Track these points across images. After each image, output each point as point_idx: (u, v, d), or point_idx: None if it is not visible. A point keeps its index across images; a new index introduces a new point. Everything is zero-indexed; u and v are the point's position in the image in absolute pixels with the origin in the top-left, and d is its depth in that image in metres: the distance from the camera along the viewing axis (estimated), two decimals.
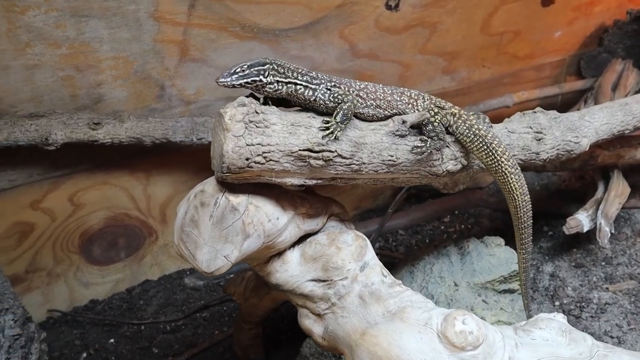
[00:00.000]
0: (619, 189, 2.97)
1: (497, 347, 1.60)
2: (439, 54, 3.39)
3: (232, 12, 2.71)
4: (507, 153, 1.89)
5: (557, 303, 2.74)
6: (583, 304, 2.72)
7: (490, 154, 1.88)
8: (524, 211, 1.98)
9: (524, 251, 2.11)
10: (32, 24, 2.36)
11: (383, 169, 1.77)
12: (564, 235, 3.09)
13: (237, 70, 1.64)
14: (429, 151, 1.80)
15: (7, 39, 2.35)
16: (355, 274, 1.81)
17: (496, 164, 1.89)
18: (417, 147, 1.80)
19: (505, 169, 1.89)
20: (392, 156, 1.76)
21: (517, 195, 1.94)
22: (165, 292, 3.09)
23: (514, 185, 1.92)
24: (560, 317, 1.85)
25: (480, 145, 1.88)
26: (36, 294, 2.86)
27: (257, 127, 1.55)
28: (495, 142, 1.88)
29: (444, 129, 1.87)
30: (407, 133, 1.79)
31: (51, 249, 2.81)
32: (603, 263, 2.97)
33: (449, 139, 1.92)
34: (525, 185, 1.96)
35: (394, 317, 1.70)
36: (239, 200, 1.60)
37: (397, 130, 1.77)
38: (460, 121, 1.89)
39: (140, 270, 3.11)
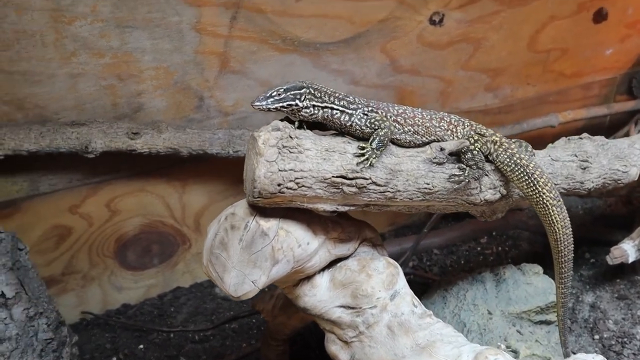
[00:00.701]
0: None
1: None
2: (482, 71, 3.30)
3: (273, 24, 2.70)
4: (549, 184, 1.82)
5: (596, 337, 2.62)
6: (625, 339, 2.59)
7: (532, 184, 1.81)
8: (565, 245, 1.90)
9: (562, 285, 2.02)
10: (78, 34, 2.40)
11: (418, 197, 1.72)
12: (607, 264, 2.96)
13: (273, 94, 1.62)
14: (467, 180, 1.74)
15: (54, 48, 2.39)
16: (385, 303, 1.76)
17: (537, 195, 1.82)
18: (455, 175, 1.74)
19: (547, 201, 1.82)
20: (428, 184, 1.71)
21: (558, 228, 1.86)
22: (196, 300, 3.11)
23: (555, 218, 1.84)
24: (600, 359, 1.77)
25: (521, 175, 1.81)
26: (71, 296, 2.91)
27: (290, 152, 1.53)
28: (537, 173, 1.80)
29: (483, 158, 1.80)
30: (445, 161, 1.74)
31: (87, 253, 2.86)
32: None
33: (488, 167, 1.85)
34: (568, 218, 1.88)
35: (422, 351, 1.66)
36: (270, 225, 1.58)
37: (435, 158, 1.72)
38: (501, 149, 1.83)
39: (173, 277, 3.13)
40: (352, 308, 1.77)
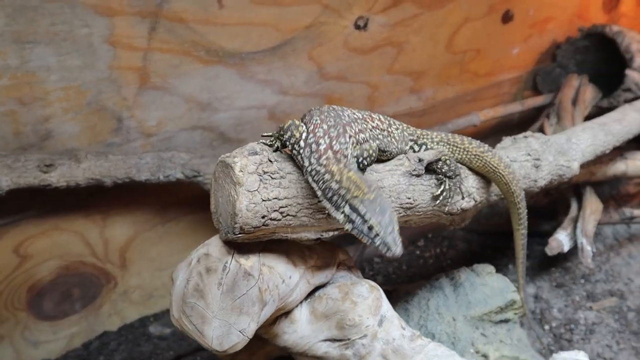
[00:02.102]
0: (593, 206, 2.98)
1: None
2: (405, 74, 3.29)
3: (196, 34, 2.47)
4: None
5: (546, 327, 2.69)
6: (572, 325, 2.68)
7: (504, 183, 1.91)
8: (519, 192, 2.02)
9: (522, 226, 2.15)
10: None
11: (400, 213, 1.62)
12: (541, 254, 3.08)
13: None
14: (451, 194, 1.67)
15: None
16: (375, 331, 1.64)
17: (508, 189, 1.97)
18: (439, 195, 1.68)
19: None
20: (409, 198, 1.61)
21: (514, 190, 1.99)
22: (128, 343, 2.78)
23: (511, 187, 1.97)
24: (583, 356, 1.78)
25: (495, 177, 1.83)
26: None
27: (272, 178, 1.35)
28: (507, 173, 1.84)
29: (457, 164, 1.74)
30: (423, 172, 1.65)
31: None
32: (582, 281, 2.97)
33: (462, 174, 1.79)
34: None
35: None
36: (251, 263, 1.39)
37: (414, 170, 1.62)
38: (472, 155, 1.79)
39: (98, 321, 2.77)
40: (340, 340, 1.63)
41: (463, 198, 1.77)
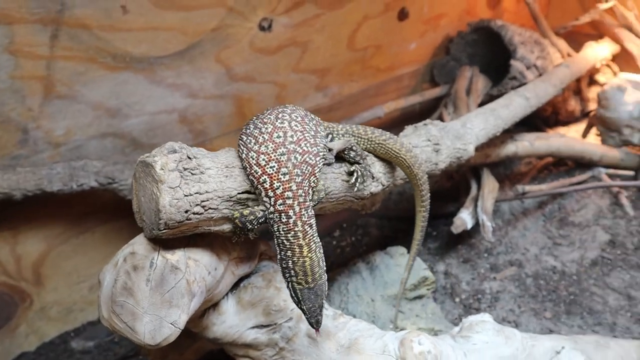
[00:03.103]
0: (490, 186, 3.26)
1: None
2: (311, 72, 3.42)
3: (100, 41, 2.45)
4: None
5: (457, 300, 2.92)
6: (479, 295, 2.92)
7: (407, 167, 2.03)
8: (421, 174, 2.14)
9: (424, 209, 2.22)
10: None
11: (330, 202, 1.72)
12: (448, 233, 3.32)
13: None
14: (364, 179, 1.79)
15: None
16: (300, 313, 1.73)
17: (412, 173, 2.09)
18: (354, 182, 1.79)
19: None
20: (323, 186, 1.72)
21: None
22: None
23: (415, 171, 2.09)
24: (488, 317, 1.97)
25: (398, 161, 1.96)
26: None
27: (192, 174, 1.41)
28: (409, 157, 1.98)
29: (363, 151, 1.88)
30: (333, 161, 1.76)
31: None
32: (486, 254, 3.24)
33: (369, 160, 1.93)
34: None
35: (349, 350, 1.66)
36: (177, 257, 1.44)
37: (325, 160, 1.73)
38: (376, 145, 1.92)
39: (14, 343, 2.67)
40: (267, 326, 1.71)
41: (374, 179, 1.91)
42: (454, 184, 3.77)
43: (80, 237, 2.76)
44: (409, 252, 2.77)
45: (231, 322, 1.71)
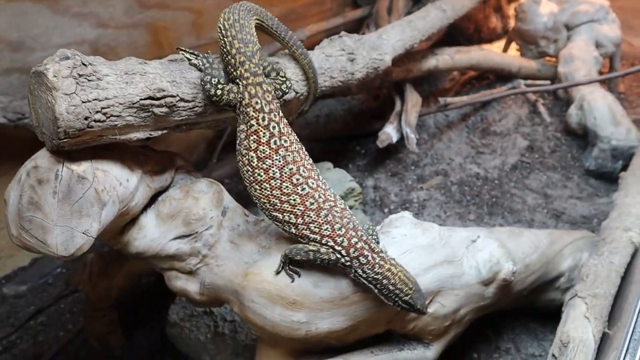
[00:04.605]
0: (413, 100, 3.33)
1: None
2: None
3: None
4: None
5: (386, 210, 3.02)
6: (407, 205, 3.04)
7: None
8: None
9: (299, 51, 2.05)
10: None
11: (225, 108, 1.72)
12: (376, 150, 3.40)
13: None
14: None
15: None
16: (220, 221, 1.76)
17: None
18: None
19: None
20: None
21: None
22: None
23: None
24: (407, 214, 2.06)
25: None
26: None
27: (89, 80, 1.37)
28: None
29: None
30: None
31: None
32: (413, 167, 3.34)
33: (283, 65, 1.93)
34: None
35: (270, 250, 1.71)
36: (84, 167, 1.42)
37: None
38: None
39: None
40: (189, 236, 1.73)
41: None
42: (380, 103, 3.83)
43: None
44: (335, 166, 2.84)
45: (152, 236, 1.72)
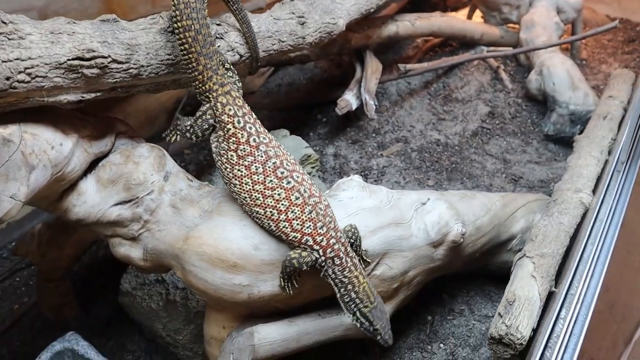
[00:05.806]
0: (373, 67, 3.31)
1: None
2: None
3: None
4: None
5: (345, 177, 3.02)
6: (367, 172, 3.04)
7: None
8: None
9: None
10: None
11: (164, 70, 1.68)
12: (337, 118, 3.39)
13: None
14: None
15: None
16: (161, 185, 1.74)
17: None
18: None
19: None
20: (169, 55, 1.68)
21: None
22: None
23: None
24: (357, 177, 2.06)
25: None
26: None
27: (9, 39, 1.33)
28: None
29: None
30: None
31: None
32: (374, 134, 3.34)
33: (221, 30, 1.89)
34: None
35: (211, 214, 1.70)
36: (10, 130, 1.39)
37: (169, 27, 1.68)
38: None
39: None
40: (130, 201, 1.71)
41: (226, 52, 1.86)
42: (342, 72, 3.80)
43: None
44: (297, 134, 2.82)
45: (92, 202, 1.69)
